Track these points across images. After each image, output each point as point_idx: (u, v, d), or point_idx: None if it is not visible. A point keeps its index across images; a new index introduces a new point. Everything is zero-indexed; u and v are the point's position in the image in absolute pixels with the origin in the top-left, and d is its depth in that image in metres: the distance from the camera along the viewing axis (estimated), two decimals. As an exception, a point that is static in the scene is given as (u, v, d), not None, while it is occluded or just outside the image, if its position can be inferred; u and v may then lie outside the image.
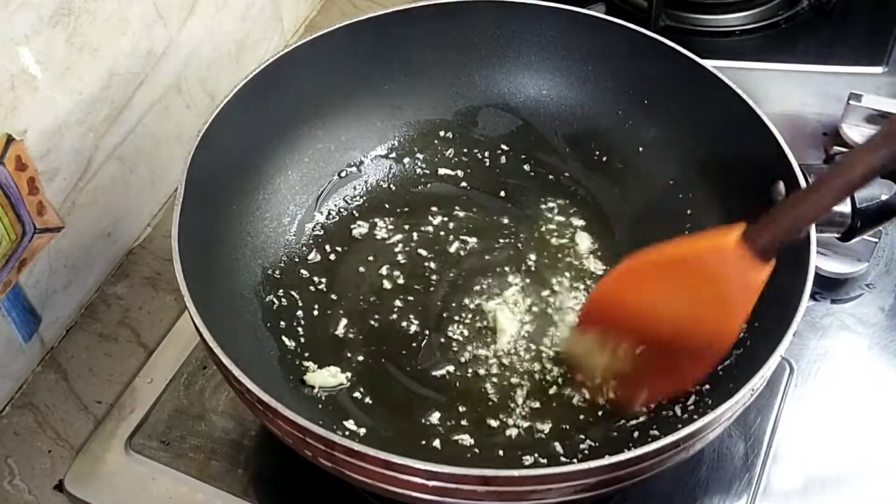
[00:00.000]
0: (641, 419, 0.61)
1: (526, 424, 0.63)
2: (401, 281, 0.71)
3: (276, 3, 0.91)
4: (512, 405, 0.64)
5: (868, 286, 0.74)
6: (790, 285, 0.57)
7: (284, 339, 0.66)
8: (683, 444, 0.51)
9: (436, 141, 0.77)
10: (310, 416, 0.51)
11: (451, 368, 0.65)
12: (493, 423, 0.63)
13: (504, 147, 0.77)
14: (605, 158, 0.75)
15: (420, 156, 0.77)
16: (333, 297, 0.69)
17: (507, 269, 0.71)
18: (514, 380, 0.65)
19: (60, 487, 0.67)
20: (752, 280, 0.52)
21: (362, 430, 0.62)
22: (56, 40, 0.64)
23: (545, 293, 0.69)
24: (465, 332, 0.67)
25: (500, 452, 0.61)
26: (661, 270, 0.57)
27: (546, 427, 0.62)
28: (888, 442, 0.67)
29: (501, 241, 0.73)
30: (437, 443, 0.62)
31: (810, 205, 0.50)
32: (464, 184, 0.77)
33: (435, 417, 0.63)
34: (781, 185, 0.62)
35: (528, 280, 0.70)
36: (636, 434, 0.60)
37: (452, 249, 0.73)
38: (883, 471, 0.65)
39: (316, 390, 0.64)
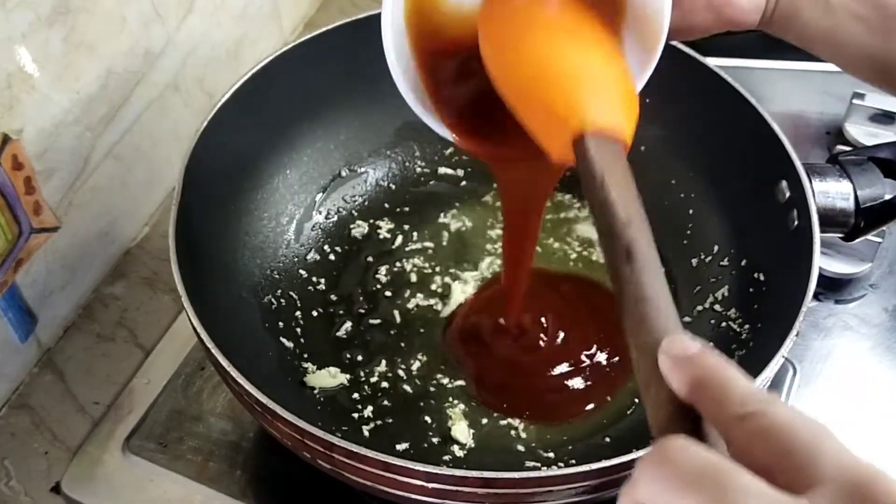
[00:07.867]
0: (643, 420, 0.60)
1: (529, 424, 0.62)
2: (401, 281, 0.70)
3: (274, 1, 0.91)
4: (513, 406, 0.63)
5: (871, 286, 0.74)
6: (793, 285, 0.56)
7: (283, 339, 0.66)
8: (686, 445, 0.50)
9: (436, 140, 0.77)
10: (309, 417, 0.51)
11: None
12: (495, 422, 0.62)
13: (504, 146, 0.77)
14: (606, 158, 0.75)
15: (420, 155, 0.77)
16: (333, 297, 0.69)
17: (507, 269, 0.71)
18: (514, 380, 0.65)
19: (57, 489, 0.66)
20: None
21: (362, 431, 0.61)
22: (53, 39, 0.64)
23: (546, 293, 0.69)
24: (466, 333, 0.67)
25: (502, 453, 0.61)
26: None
27: (549, 427, 0.62)
28: (891, 442, 0.66)
29: (502, 240, 0.72)
30: (437, 442, 0.61)
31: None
32: (464, 183, 0.76)
33: (436, 417, 0.62)
34: (785, 185, 0.62)
35: (528, 280, 0.70)
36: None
37: (453, 249, 0.72)
38: (885, 471, 0.65)
39: (316, 391, 0.64)
